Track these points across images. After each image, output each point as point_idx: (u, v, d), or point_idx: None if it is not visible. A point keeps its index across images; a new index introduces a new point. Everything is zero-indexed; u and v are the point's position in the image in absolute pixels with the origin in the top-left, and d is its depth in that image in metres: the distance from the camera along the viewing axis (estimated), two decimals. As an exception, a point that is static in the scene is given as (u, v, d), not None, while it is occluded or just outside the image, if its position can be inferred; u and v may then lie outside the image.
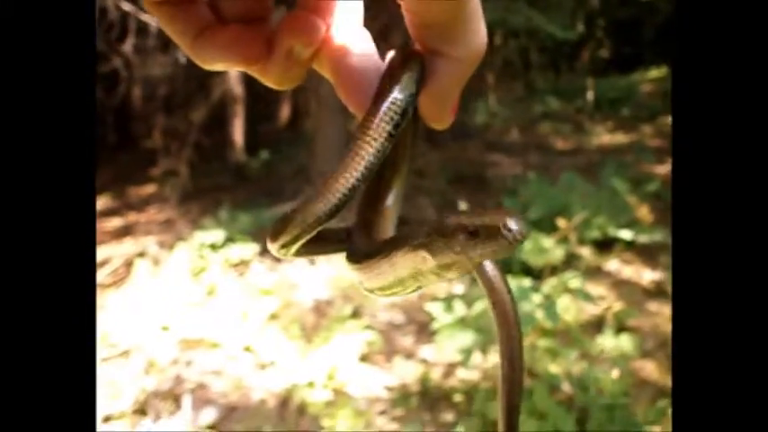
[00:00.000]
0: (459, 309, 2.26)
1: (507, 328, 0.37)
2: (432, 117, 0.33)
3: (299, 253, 0.36)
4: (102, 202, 7.08)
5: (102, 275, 3.58)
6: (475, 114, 7.26)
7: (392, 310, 3.19)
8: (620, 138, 7.21)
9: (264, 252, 3.66)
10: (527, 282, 2.83)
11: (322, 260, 3.60)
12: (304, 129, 9.35)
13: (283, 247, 0.34)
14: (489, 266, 0.36)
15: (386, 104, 0.30)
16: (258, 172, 6.40)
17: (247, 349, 2.74)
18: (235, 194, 5.80)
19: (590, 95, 8.68)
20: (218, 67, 0.31)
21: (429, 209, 4.10)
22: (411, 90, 0.31)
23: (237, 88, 6.67)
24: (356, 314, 3.08)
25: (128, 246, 4.61)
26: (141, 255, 3.78)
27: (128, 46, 4.33)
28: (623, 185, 3.74)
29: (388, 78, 0.31)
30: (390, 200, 0.36)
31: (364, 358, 2.73)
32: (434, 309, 2.37)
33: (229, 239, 3.62)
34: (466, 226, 0.27)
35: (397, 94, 0.30)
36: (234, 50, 0.30)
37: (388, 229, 0.36)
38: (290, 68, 0.31)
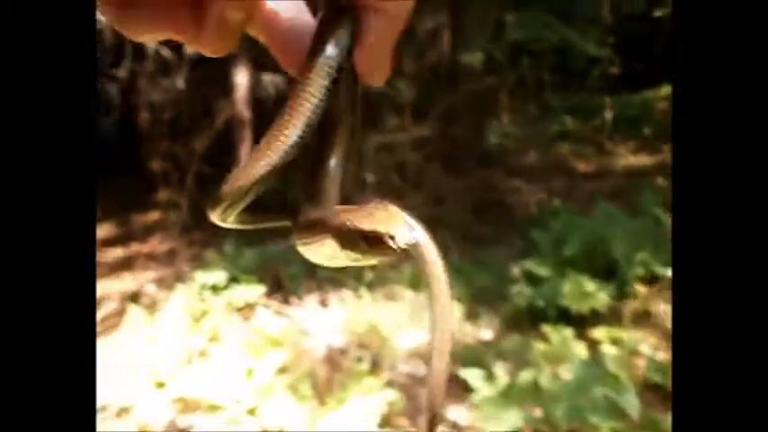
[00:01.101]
0: (501, 375, 1.91)
1: (439, 299, 0.38)
2: (367, 74, 0.32)
3: (241, 221, 0.35)
4: (104, 231, 6.83)
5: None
6: (488, 135, 6.98)
7: (415, 361, 2.85)
8: (645, 159, 6.86)
9: (272, 294, 3.35)
10: (568, 331, 2.50)
11: (335, 302, 3.28)
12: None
13: (225, 211, 0.33)
14: (422, 240, 0.36)
15: (320, 59, 0.30)
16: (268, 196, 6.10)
17: (251, 412, 2.41)
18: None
19: (608, 114, 8.37)
20: (146, 37, 0.30)
21: (451, 244, 3.77)
22: (344, 44, 0.30)
23: (245, 112, 6.43)
24: (374, 367, 2.74)
25: (125, 282, 4.32)
26: (136, 297, 3.47)
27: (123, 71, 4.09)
28: (664, 214, 3.41)
29: (321, 34, 0.31)
30: (333, 163, 0.35)
31: (385, 422, 2.40)
32: (471, 376, 2.02)
33: (233, 279, 3.31)
34: (359, 230, 0.28)
35: (330, 48, 0.30)
36: (163, 18, 0.29)
37: (331, 194, 0.35)
38: (224, 35, 0.30)
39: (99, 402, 2.52)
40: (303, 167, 0.37)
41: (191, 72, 4.98)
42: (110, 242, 6.15)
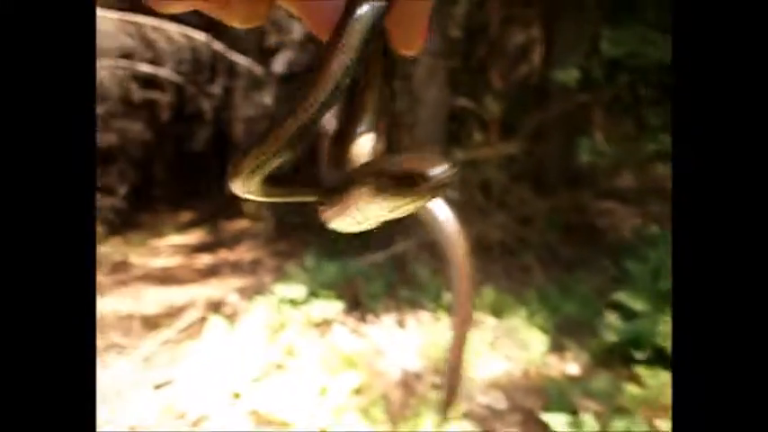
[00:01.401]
0: (590, 422, 1.75)
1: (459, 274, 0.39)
2: (401, 40, 0.31)
3: (263, 192, 0.34)
4: (195, 237, 7.16)
5: (175, 330, 3.39)
6: (579, 154, 6.66)
7: (495, 392, 2.71)
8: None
9: (350, 311, 3.32)
10: (666, 375, 2.27)
11: (412, 324, 3.20)
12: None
13: (247, 178, 0.32)
14: (442, 211, 0.37)
15: (353, 19, 0.28)
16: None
17: (323, 433, 2.37)
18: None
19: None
20: (177, 8, 0.28)
21: (536, 267, 3.59)
22: (379, 5, 0.29)
23: (330, 125, 6.55)
24: (450, 395, 2.63)
25: (211, 288, 4.47)
26: (219, 306, 3.56)
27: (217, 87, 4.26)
28: None
29: None
30: (361, 129, 0.34)
31: (459, 457, 2.28)
32: (555, 422, 1.87)
33: (312, 294, 3.31)
34: (389, 172, 0.27)
35: (365, 8, 0.28)
36: None
37: (358, 162, 0.34)
38: (254, 3, 0.29)
39: (178, 410, 2.58)
40: (329, 142, 0.36)
41: (279, 87, 5.13)
42: (200, 248, 6.43)
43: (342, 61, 0.29)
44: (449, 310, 3.19)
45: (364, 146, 0.35)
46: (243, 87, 4.87)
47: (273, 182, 0.33)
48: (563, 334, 3.05)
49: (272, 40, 4.27)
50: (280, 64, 4.80)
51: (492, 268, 3.60)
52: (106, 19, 3.55)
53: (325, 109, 0.30)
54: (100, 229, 6.18)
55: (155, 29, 3.80)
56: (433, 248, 3.90)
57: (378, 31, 0.29)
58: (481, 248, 3.75)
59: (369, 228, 0.33)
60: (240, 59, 3.86)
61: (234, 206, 6.95)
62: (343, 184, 0.32)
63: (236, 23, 0.30)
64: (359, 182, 0.29)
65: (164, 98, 5.14)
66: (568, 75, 3.94)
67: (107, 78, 4.19)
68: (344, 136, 0.35)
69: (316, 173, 0.36)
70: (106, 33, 3.61)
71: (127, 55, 4.02)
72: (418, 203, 0.28)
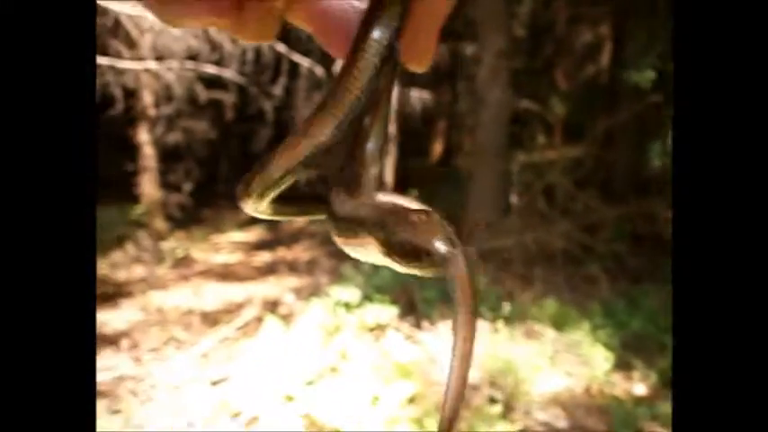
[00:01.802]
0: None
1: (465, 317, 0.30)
2: (412, 57, 0.31)
3: (274, 211, 0.34)
4: (255, 234, 7.31)
5: (233, 328, 3.43)
6: (650, 159, 6.33)
7: (553, 409, 2.58)
8: None
9: (404, 316, 3.26)
10: None
11: (469, 332, 3.11)
12: (457, 166, 9.02)
13: (259, 197, 0.32)
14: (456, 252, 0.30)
15: (372, 36, 0.29)
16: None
17: (374, 443, 2.33)
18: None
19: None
20: (187, 23, 0.29)
21: (601, 277, 3.42)
22: (395, 23, 0.29)
23: (392, 128, 6.52)
24: (507, 410, 2.52)
25: (268, 287, 4.52)
26: (275, 305, 3.59)
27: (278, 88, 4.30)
28: None
29: (372, 14, 0.30)
30: (370, 148, 0.32)
31: (515, 476, 2.18)
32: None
33: (367, 298, 3.28)
34: (396, 240, 0.26)
35: (382, 27, 0.29)
36: (203, 3, 0.28)
37: (368, 182, 0.32)
38: (265, 21, 0.29)
39: (233, 408, 2.60)
40: (338, 154, 0.35)
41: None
42: (259, 246, 6.56)
43: (358, 83, 0.29)
44: (507, 321, 3.08)
45: (373, 164, 0.34)
46: (304, 88, 4.90)
47: (283, 201, 0.33)
48: (629, 351, 2.88)
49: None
50: (341, 66, 4.80)
51: (554, 278, 3.45)
52: (174, 21, 3.64)
53: (340, 130, 0.29)
54: (165, 224, 6.41)
55: (220, 31, 3.88)
56: (492, 255, 3.79)
57: (393, 50, 0.30)
58: (543, 257, 3.60)
59: (379, 264, 0.31)
60: (302, 61, 3.87)
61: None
62: (351, 218, 0.31)
63: (249, 39, 0.30)
64: (368, 230, 0.28)
65: (228, 98, 5.25)
66: (643, 76, 3.73)
67: (174, 80, 4.31)
68: (354, 154, 0.34)
69: (325, 192, 0.35)
70: (173, 36, 3.71)
71: (193, 56, 4.13)
72: (422, 273, 0.27)
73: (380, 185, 0.35)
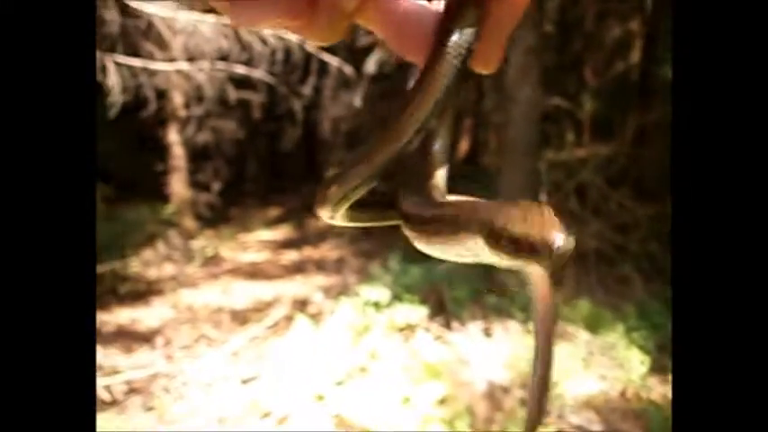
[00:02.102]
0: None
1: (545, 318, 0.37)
2: (484, 60, 0.32)
3: (351, 218, 0.34)
4: (282, 233, 7.36)
5: (263, 327, 3.45)
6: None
7: (587, 411, 2.53)
8: None
9: (434, 316, 3.24)
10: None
11: (500, 332, 3.07)
12: (483, 164, 8.94)
13: (337, 204, 0.32)
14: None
15: (453, 39, 0.29)
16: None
17: (406, 444, 2.31)
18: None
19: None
20: (260, 25, 0.29)
21: (635, 279, 3.34)
22: (475, 26, 0.29)
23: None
24: (540, 413, 2.48)
25: (296, 285, 4.54)
26: (305, 304, 3.60)
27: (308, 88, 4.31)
28: None
29: (451, 16, 0.30)
30: (439, 149, 0.35)
31: (549, 480, 2.14)
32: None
33: (396, 297, 3.26)
34: (510, 232, 0.25)
35: (463, 30, 0.29)
36: (277, 6, 0.29)
37: (439, 183, 0.34)
38: (335, 22, 0.29)
39: (263, 407, 2.61)
40: (409, 157, 0.36)
41: (370, 87, 5.12)
42: (287, 245, 6.59)
43: (439, 85, 0.29)
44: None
45: (443, 165, 0.34)
46: (332, 87, 4.90)
47: (359, 208, 0.33)
48: (665, 354, 2.81)
49: (362, 41, 4.27)
50: (371, 65, 4.80)
51: (587, 279, 3.39)
52: (204, 23, 3.68)
53: (418, 137, 0.29)
54: (195, 223, 6.49)
55: (250, 31, 3.91)
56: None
57: (471, 53, 0.29)
58: (575, 257, 3.54)
59: (460, 261, 0.32)
60: (331, 60, 3.87)
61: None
62: (432, 216, 0.31)
63: (318, 41, 0.30)
64: (464, 227, 0.28)
65: (256, 98, 5.29)
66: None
67: (205, 80, 4.35)
68: (425, 157, 0.34)
69: (397, 197, 0.35)
70: (204, 37, 3.74)
71: (223, 57, 4.16)
72: (528, 267, 0.27)
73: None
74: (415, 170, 0.35)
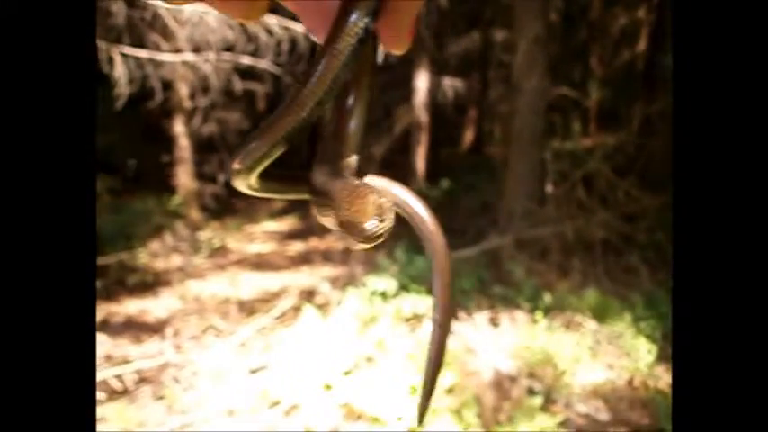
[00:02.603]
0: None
1: (441, 270, 0.40)
2: (390, 40, 0.33)
3: (262, 188, 0.36)
4: (288, 224, 7.38)
5: (270, 318, 3.47)
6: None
7: (594, 400, 2.54)
8: None
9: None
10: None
11: (506, 322, 3.08)
12: (489, 154, 8.92)
13: (246, 172, 0.34)
14: (421, 212, 0.39)
15: (350, 20, 0.30)
16: (438, 202, 6.05)
17: (413, 432, 2.33)
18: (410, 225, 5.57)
19: None
20: (178, 1, 0.28)
21: (641, 267, 3.34)
22: (372, 7, 0.30)
23: (424, 116, 6.46)
24: (547, 402, 2.49)
25: (303, 276, 4.56)
26: (312, 294, 3.61)
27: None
28: None
29: None
30: (352, 127, 0.36)
31: (557, 468, 2.15)
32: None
33: (403, 287, 3.27)
34: (337, 216, 0.30)
35: (359, 10, 0.30)
36: None
37: (348, 158, 0.36)
38: (254, 1, 0.30)
39: (272, 397, 2.63)
40: (320, 134, 0.37)
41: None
42: (292, 236, 6.61)
43: (337, 61, 0.30)
44: (546, 311, 3.04)
45: (353, 142, 0.36)
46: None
47: (270, 178, 0.36)
48: (670, 342, 2.81)
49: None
50: (378, 55, 4.77)
51: (594, 269, 3.39)
52: (210, 14, 3.67)
53: (321, 107, 0.31)
54: (201, 214, 6.51)
55: (254, 23, 3.90)
56: (529, 245, 3.74)
57: (369, 33, 0.31)
58: (582, 247, 3.54)
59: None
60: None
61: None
62: (323, 192, 0.34)
63: (238, 18, 0.31)
64: (331, 205, 0.31)
65: (262, 89, 5.28)
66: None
67: (210, 71, 4.35)
68: (335, 133, 0.36)
69: (308, 172, 0.38)
70: (210, 28, 3.73)
71: (229, 48, 4.16)
72: (359, 245, 0.30)
73: (366, 167, 0.38)
74: (329, 146, 0.37)
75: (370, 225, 0.29)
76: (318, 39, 0.34)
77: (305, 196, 0.38)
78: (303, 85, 0.31)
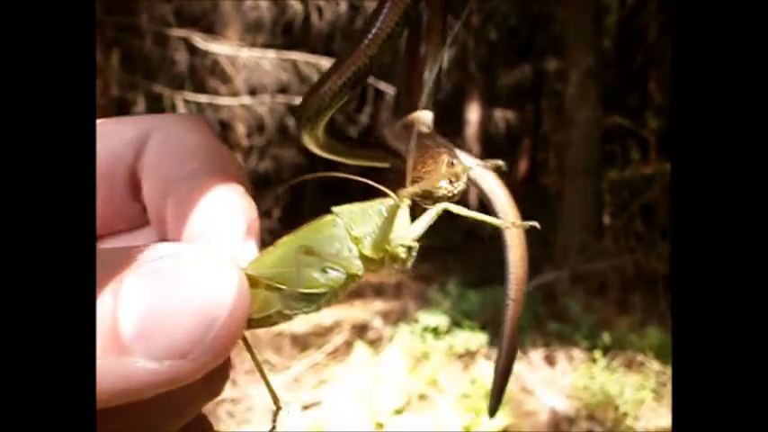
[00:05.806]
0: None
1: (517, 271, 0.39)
2: None
3: (326, 143, 0.36)
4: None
5: (323, 353, 3.49)
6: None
7: (659, 447, 2.41)
8: None
9: (494, 343, 3.18)
10: None
11: (563, 361, 2.98)
12: (543, 184, 8.77)
13: (314, 117, 0.34)
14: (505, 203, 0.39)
15: None
16: (490, 236, 5.96)
17: (467, 477, 2.26)
18: (466, 255, 5.51)
19: None
20: None
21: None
22: None
23: (475, 148, 6.46)
24: (608, 446, 2.38)
25: (356, 311, 4.57)
26: (364, 330, 3.61)
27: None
28: None
29: None
30: (425, 78, 0.36)
31: None
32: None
33: (455, 324, 3.23)
34: (409, 175, 0.28)
35: None
36: None
37: (423, 112, 0.36)
38: None
39: (324, 434, 2.63)
40: (397, 83, 0.37)
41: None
42: (346, 269, 6.67)
43: (397, 8, 0.30)
44: (606, 350, 2.92)
45: (428, 89, 0.36)
46: (388, 115, 4.99)
47: (339, 138, 0.36)
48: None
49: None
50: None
51: (656, 306, 3.24)
52: (264, 58, 3.84)
53: (381, 54, 0.32)
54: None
55: (308, 63, 4.05)
56: (586, 280, 3.62)
57: None
58: (643, 281, 3.40)
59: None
60: (387, 89, 3.94)
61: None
62: (397, 152, 0.34)
63: None
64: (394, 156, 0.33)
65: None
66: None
67: (265, 112, 4.52)
68: (409, 84, 0.36)
69: (380, 138, 0.37)
70: (265, 71, 3.90)
71: (283, 89, 4.32)
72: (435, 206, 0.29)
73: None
74: (402, 102, 0.37)
75: (443, 186, 0.28)
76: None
77: (373, 162, 0.38)
78: (365, 32, 0.32)
